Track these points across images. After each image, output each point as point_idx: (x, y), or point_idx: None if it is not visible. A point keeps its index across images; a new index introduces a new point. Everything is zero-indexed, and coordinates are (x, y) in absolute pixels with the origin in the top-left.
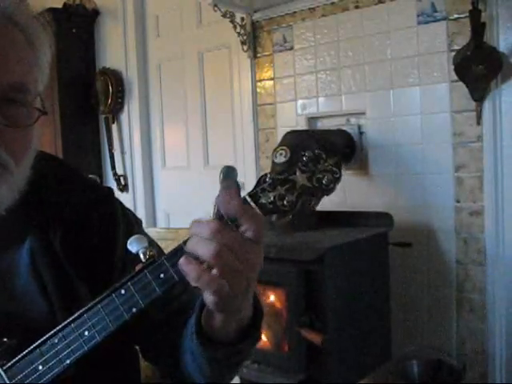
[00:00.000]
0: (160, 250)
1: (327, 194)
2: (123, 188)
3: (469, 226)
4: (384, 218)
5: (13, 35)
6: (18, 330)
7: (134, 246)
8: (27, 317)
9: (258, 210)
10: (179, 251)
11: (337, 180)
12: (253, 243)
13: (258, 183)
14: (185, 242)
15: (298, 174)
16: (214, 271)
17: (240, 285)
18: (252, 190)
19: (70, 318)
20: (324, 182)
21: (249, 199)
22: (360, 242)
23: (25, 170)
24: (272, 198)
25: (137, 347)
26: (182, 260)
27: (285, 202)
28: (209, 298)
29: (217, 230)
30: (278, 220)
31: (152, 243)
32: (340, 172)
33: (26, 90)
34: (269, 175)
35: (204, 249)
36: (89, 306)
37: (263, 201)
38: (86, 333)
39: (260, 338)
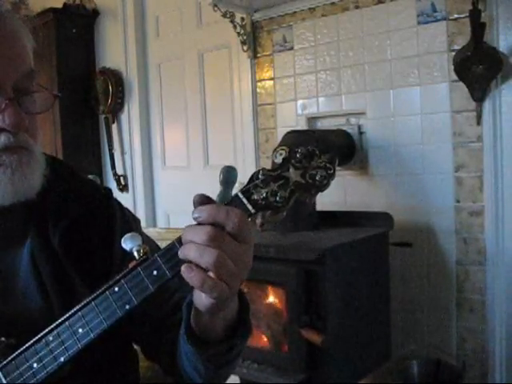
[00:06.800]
0: (156, 248)
1: (321, 191)
2: (123, 188)
3: (469, 226)
4: (384, 218)
5: (13, 27)
6: (16, 329)
7: (128, 243)
8: (26, 316)
9: (237, 208)
10: (172, 248)
11: (330, 176)
12: (244, 244)
13: (251, 179)
14: (178, 240)
15: (291, 170)
16: (213, 276)
17: (236, 286)
18: (244, 187)
19: (65, 316)
20: (317, 178)
21: (241, 195)
22: (360, 241)
23: (41, 156)
24: (264, 195)
25: (137, 347)
26: (183, 268)
27: (277, 198)
28: (207, 301)
29: (213, 236)
30: (271, 217)
31: (147, 241)
32: (334, 168)
33: (34, 76)
34: (261, 171)
35: (204, 257)
36: (83, 303)
37: (255, 197)
38: (80, 330)
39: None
